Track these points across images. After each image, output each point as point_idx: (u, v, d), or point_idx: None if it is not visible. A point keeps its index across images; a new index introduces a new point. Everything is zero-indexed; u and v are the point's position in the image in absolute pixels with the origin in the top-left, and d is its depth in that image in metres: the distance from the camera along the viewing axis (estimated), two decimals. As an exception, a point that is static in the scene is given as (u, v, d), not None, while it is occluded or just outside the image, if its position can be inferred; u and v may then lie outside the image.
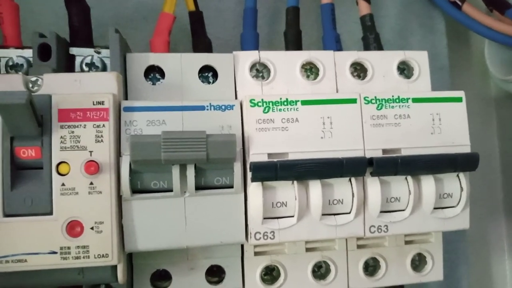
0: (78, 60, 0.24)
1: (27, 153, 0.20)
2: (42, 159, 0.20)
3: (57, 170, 0.20)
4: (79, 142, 0.20)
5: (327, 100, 0.23)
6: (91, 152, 0.20)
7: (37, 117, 0.20)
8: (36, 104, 0.19)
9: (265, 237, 0.22)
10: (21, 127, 0.20)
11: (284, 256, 0.24)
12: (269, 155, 0.22)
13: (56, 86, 0.21)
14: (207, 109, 0.22)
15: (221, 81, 0.24)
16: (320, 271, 0.25)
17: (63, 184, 0.20)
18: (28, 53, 0.23)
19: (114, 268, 0.21)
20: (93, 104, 0.21)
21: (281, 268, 0.24)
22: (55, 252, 0.20)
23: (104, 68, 0.24)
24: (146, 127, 0.21)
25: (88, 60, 0.24)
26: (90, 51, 0.24)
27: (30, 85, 0.21)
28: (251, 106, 0.22)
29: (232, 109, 0.22)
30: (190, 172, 0.21)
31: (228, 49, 0.25)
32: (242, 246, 0.24)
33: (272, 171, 0.21)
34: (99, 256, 0.20)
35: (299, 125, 0.22)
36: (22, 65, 0.23)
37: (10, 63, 0.23)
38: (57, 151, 0.20)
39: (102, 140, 0.21)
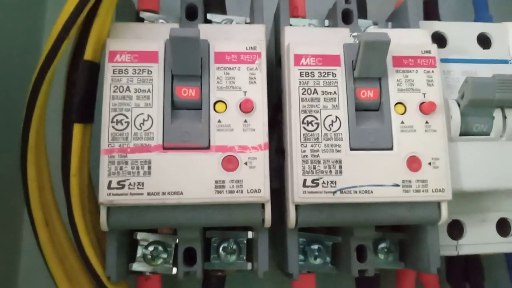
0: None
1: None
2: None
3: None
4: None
5: None
6: (424, 94, 0.22)
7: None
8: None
9: None
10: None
11: None
12: None
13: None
14: (510, 63, 0.24)
15: (495, 45, 0.26)
16: None
17: (402, 122, 0.22)
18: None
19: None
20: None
21: None
22: (397, 185, 0.21)
23: None
24: (461, 76, 0.23)
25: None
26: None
27: None
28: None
29: (530, 64, 0.24)
30: (511, 116, 0.22)
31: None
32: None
33: None
34: (436, 190, 0.21)
35: None
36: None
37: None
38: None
39: (432, 84, 0.22)
